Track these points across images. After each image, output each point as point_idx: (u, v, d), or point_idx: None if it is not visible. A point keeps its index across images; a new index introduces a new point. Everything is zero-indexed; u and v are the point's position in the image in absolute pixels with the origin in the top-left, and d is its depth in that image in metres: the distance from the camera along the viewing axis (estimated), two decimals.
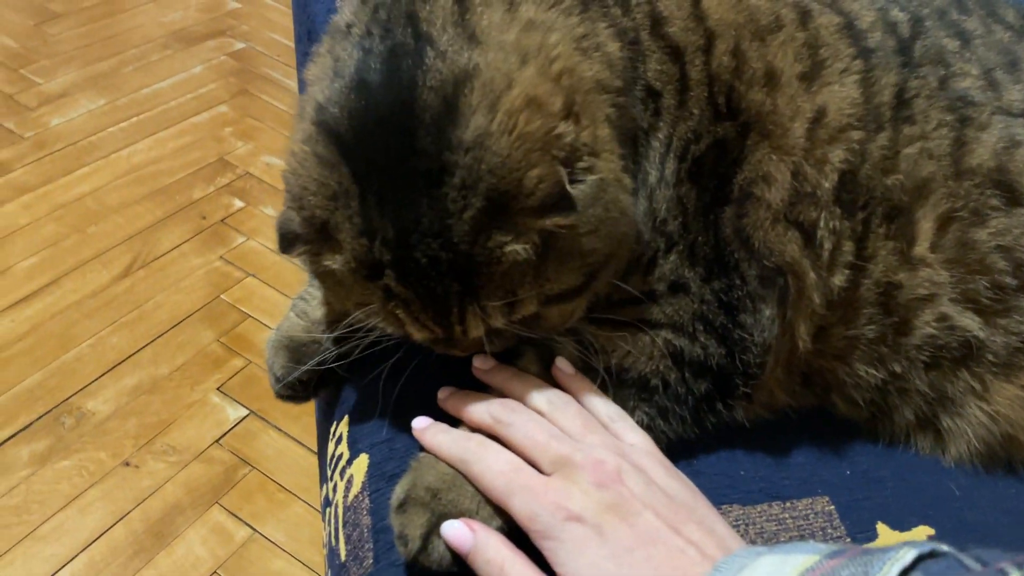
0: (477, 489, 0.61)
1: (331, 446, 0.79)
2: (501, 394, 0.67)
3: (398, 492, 0.64)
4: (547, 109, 0.55)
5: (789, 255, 0.67)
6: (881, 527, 0.68)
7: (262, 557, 1.38)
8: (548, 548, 0.55)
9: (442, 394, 0.69)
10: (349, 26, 0.62)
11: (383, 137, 0.55)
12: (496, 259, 0.55)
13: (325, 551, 0.77)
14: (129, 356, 1.63)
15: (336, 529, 0.72)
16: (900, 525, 0.68)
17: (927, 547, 0.44)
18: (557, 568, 0.55)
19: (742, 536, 0.67)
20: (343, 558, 0.69)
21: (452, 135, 0.54)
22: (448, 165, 0.53)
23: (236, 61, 2.45)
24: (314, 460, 1.47)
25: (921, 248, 0.68)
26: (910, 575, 0.43)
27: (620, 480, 0.57)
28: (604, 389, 0.67)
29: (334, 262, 0.57)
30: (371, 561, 0.66)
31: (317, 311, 0.78)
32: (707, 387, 0.67)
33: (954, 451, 0.72)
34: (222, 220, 1.93)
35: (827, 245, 0.67)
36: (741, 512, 0.68)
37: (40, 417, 1.52)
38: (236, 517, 1.42)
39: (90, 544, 1.36)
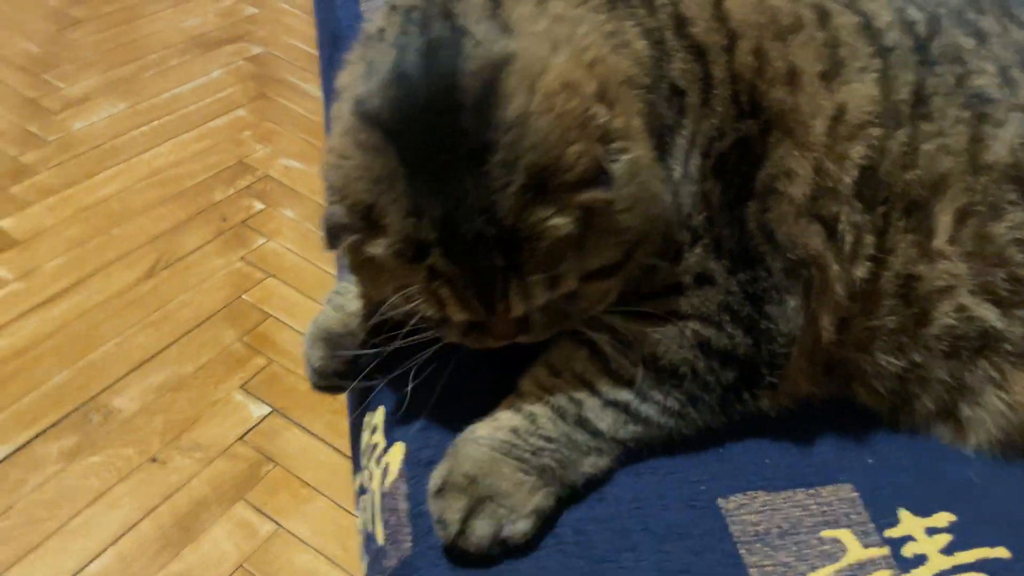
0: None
1: (366, 436, 0.81)
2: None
3: (435, 478, 0.67)
4: (582, 91, 0.58)
5: (812, 248, 0.69)
6: (903, 513, 0.70)
7: (286, 551, 1.40)
8: None
9: None
10: (381, 31, 0.65)
11: (427, 121, 0.58)
12: (539, 233, 0.57)
13: (361, 537, 0.79)
14: (154, 355, 1.65)
15: (372, 516, 0.74)
16: (922, 511, 0.70)
17: None
18: None
19: (768, 521, 0.69)
20: (381, 542, 0.72)
21: (493, 115, 0.56)
22: (491, 143, 0.56)
23: (254, 66, 2.48)
24: (336, 456, 1.49)
25: (940, 241, 0.70)
26: None
27: None
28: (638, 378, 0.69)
29: (378, 247, 0.59)
30: (409, 544, 0.68)
31: (352, 304, 0.80)
32: (734, 376, 0.70)
33: (974, 440, 0.74)
34: (243, 222, 1.96)
35: (848, 238, 0.70)
36: (767, 498, 0.70)
37: (68, 414, 1.54)
38: (261, 512, 1.44)
39: (119, 539, 1.38)
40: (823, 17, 0.73)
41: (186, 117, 2.25)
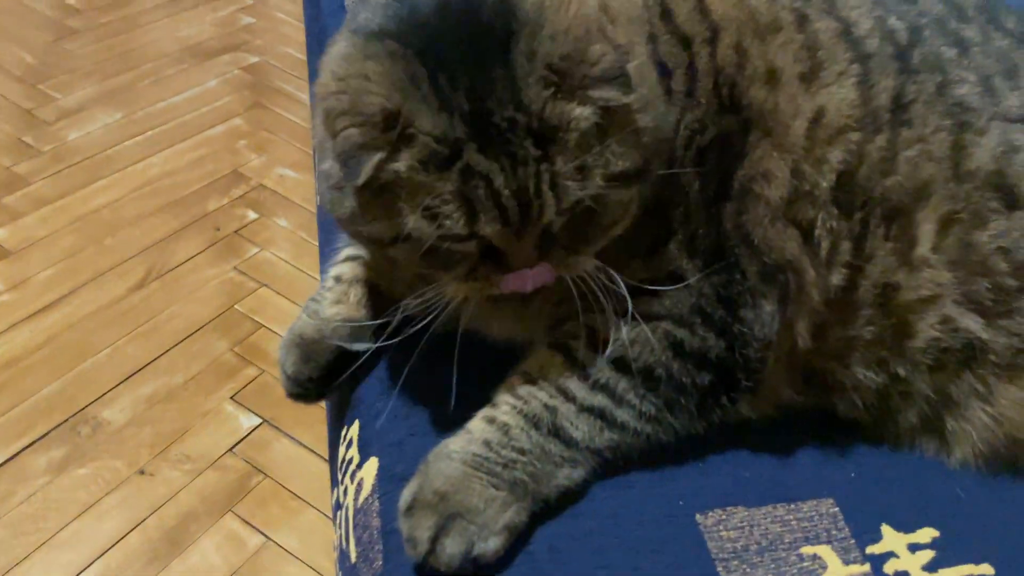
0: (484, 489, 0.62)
1: (342, 450, 0.80)
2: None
3: (406, 496, 0.65)
4: (591, 4, 0.61)
5: (789, 252, 0.68)
6: (886, 529, 0.69)
7: (275, 564, 1.40)
8: None
9: None
10: None
11: (445, 19, 0.59)
12: (566, 124, 0.58)
13: (336, 554, 0.78)
14: (145, 366, 1.65)
15: (347, 532, 0.73)
16: (905, 527, 0.69)
17: None
18: None
19: (747, 537, 0.67)
20: (353, 560, 0.70)
21: (515, 7, 0.59)
22: (514, 33, 0.58)
23: (250, 75, 2.48)
24: (326, 468, 1.48)
25: (923, 249, 0.69)
26: None
27: None
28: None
29: (402, 162, 0.58)
30: (381, 562, 0.67)
31: (328, 310, 0.79)
32: (710, 379, 0.68)
33: (959, 453, 0.73)
34: (236, 231, 1.96)
35: (825, 244, 0.69)
36: (746, 514, 0.69)
37: (57, 426, 1.54)
38: (249, 525, 1.43)
39: (106, 551, 1.38)
40: (801, 20, 0.72)
41: (181, 127, 2.25)
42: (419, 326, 0.68)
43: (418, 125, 0.57)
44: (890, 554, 0.67)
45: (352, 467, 0.76)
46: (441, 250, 0.62)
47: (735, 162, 0.69)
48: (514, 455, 0.66)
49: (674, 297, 0.68)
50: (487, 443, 0.66)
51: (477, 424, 0.69)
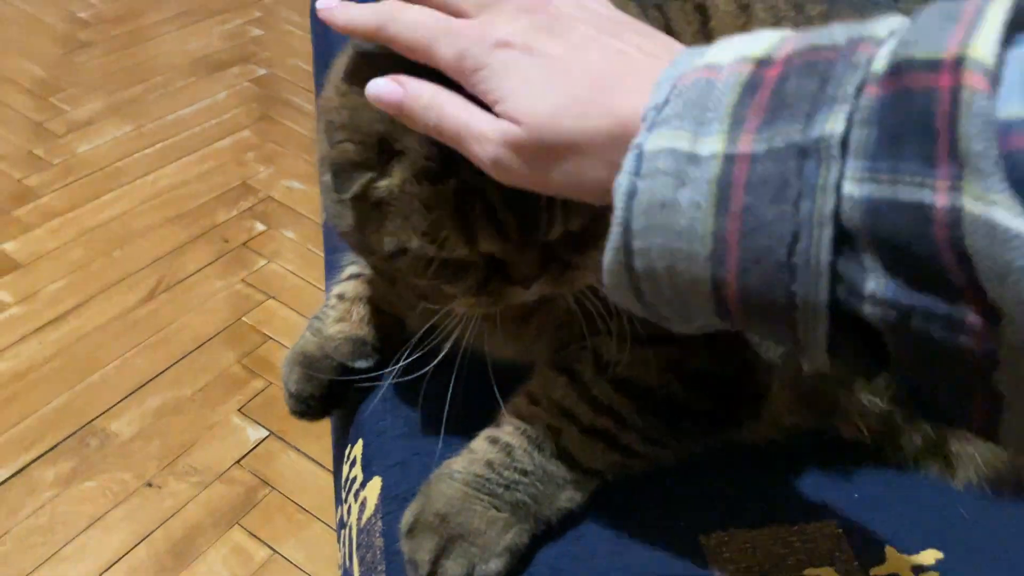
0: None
1: (345, 468, 0.80)
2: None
3: (407, 517, 0.65)
4: None
5: None
6: (889, 550, 0.68)
7: None
8: (478, 81, 0.51)
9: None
10: None
11: None
12: None
13: (340, 573, 0.78)
14: (152, 378, 1.66)
15: (350, 551, 0.73)
16: (909, 549, 0.69)
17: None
18: (488, 98, 0.51)
19: (750, 559, 0.67)
20: None
21: None
22: None
23: (258, 87, 2.50)
24: (333, 480, 1.49)
25: None
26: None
27: (549, 2, 0.53)
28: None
29: (396, 178, 0.57)
30: None
31: (331, 327, 0.79)
32: (711, 403, 0.68)
33: (963, 475, 0.72)
34: (244, 243, 1.96)
35: None
36: (749, 535, 0.69)
37: (66, 438, 1.54)
38: (256, 538, 1.43)
39: (113, 564, 1.38)
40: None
41: (190, 139, 2.27)
42: (425, 350, 0.69)
43: (408, 143, 0.58)
44: None
45: (355, 486, 0.76)
46: (447, 263, 0.61)
47: None
48: (516, 476, 0.66)
49: None
50: (489, 464, 0.66)
51: (480, 444, 0.69)
